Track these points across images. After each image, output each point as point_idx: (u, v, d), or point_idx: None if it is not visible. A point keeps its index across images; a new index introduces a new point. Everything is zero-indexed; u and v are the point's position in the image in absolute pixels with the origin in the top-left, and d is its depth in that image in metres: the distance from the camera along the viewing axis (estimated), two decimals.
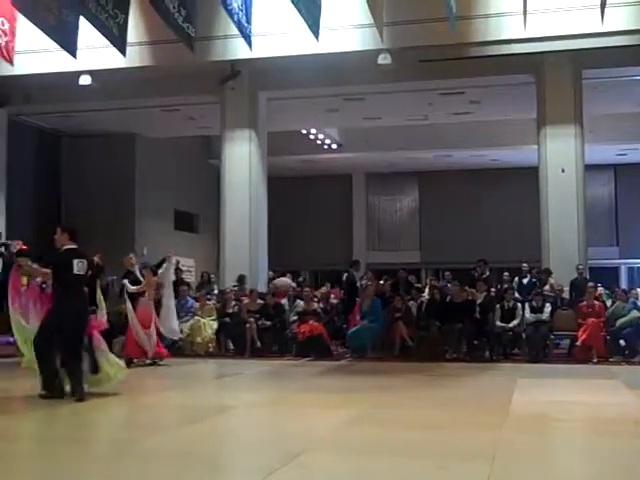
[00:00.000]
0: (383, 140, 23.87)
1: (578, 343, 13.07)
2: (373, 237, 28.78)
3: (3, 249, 15.80)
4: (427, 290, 15.36)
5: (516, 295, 14.47)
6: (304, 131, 23.55)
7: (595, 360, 12.74)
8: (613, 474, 5.41)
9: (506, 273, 15.93)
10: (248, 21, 15.06)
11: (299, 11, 13.57)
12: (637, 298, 14.11)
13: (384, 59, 15.36)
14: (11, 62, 16.16)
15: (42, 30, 13.63)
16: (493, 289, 14.76)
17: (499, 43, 15.54)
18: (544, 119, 16.56)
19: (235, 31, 15.08)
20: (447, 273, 16.11)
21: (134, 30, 15.75)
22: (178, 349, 14.32)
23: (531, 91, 16.80)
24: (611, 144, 22.87)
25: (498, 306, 13.71)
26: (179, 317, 14.65)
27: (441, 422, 7.38)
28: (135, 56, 16.20)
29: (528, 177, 18.02)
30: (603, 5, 13.81)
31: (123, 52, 14.56)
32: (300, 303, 14.81)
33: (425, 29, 15.08)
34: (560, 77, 16.24)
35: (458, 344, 13.51)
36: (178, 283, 16.43)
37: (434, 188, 27.78)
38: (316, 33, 13.97)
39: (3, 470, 5.28)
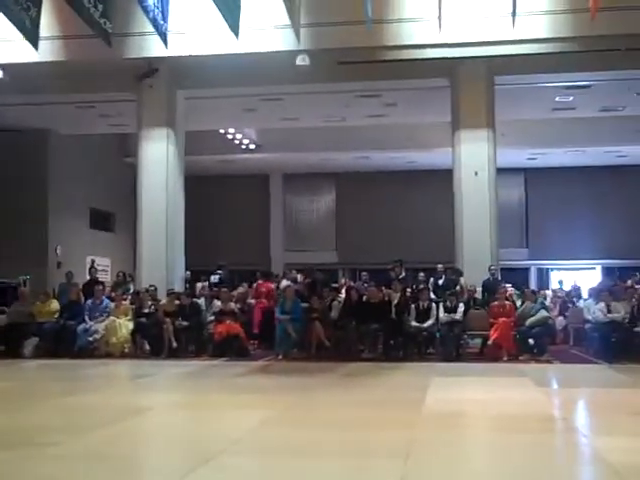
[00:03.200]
0: (301, 141, 23.99)
1: (489, 342, 13.40)
2: (290, 237, 28.86)
3: None
4: (344, 290, 15.51)
5: (432, 295, 14.71)
6: (222, 131, 23.45)
7: (505, 359, 13.05)
8: (520, 469, 5.57)
9: (421, 274, 16.17)
10: (164, 18, 14.93)
11: (219, 10, 13.53)
12: (545, 298, 14.56)
13: (302, 60, 15.46)
14: None
15: None
16: (409, 289, 14.97)
17: (415, 47, 15.84)
18: (458, 123, 16.91)
19: (152, 28, 14.93)
20: (364, 273, 16.27)
21: (48, 24, 15.44)
22: (93, 350, 14.10)
23: (446, 95, 17.12)
24: (522, 148, 23.52)
25: (413, 306, 13.91)
26: (94, 317, 14.44)
27: (356, 421, 7.46)
28: (48, 50, 15.88)
29: (443, 179, 18.34)
30: (514, 13, 14.25)
31: (35, 46, 14.24)
32: (217, 303, 14.74)
33: (342, 31, 15.25)
34: (474, 82, 16.59)
35: (374, 344, 13.67)
36: (92, 283, 16.19)
37: (351, 189, 28.08)
38: (236, 32, 13.96)
39: None
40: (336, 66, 16.21)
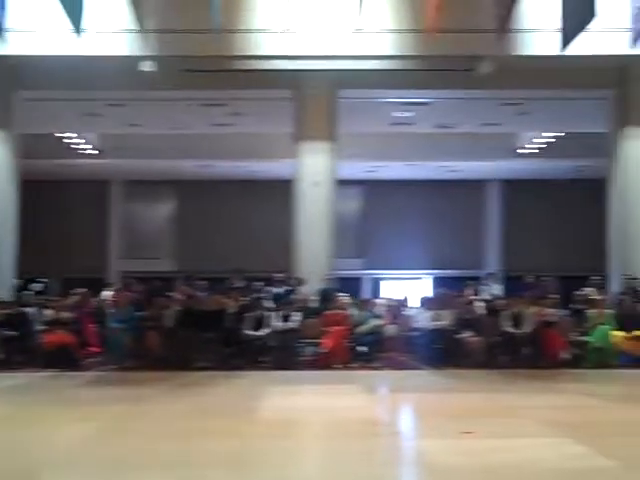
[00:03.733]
0: (144, 147, 23.60)
1: (323, 350, 13.67)
2: (129, 245, 28.28)
3: None
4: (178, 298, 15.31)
5: (269, 304, 14.79)
6: (61, 134, 22.71)
7: (338, 366, 13.37)
8: (348, 473, 5.80)
9: (259, 282, 16.28)
10: (3, 15, 14.30)
11: (63, 9, 13.10)
12: (373, 307, 14.99)
13: (147, 66, 15.25)
14: None
15: None
16: (246, 298, 15.03)
17: (260, 58, 15.91)
18: (300, 134, 17.14)
19: None
20: (200, 282, 16.16)
21: None
22: None
23: (290, 106, 17.38)
24: (362, 161, 24.11)
25: (248, 315, 13.97)
26: None
27: (190, 431, 7.46)
28: None
29: (285, 190, 18.56)
30: (359, 29, 14.73)
31: None
32: (48, 312, 14.24)
33: (189, 39, 15.11)
34: (317, 95, 16.86)
35: (208, 352, 13.62)
36: None
37: (194, 197, 27.91)
38: (79, 34, 13.56)
39: None
40: (182, 73, 16.13)
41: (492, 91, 17.50)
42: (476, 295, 15.87)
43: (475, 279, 18.06)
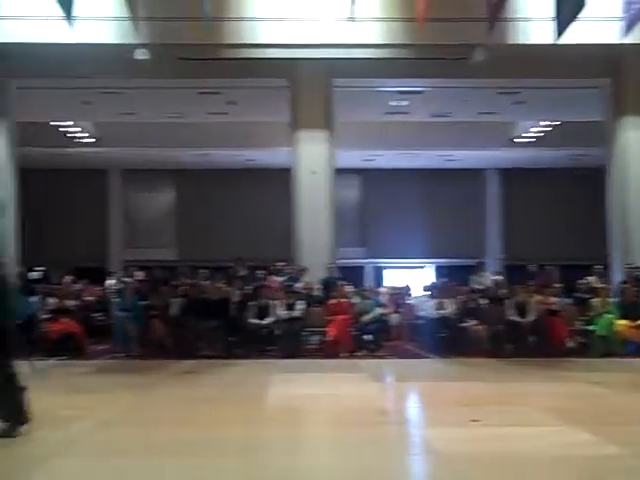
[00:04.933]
0: (141, 136, 23.53)
1: (328, 339, 13.70)
2: (130, 234, 28.26)
3: None
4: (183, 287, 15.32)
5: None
6: (56, 123, 22.62)
7: (343, 355, 13.41)
8: (356, 461, 5.77)
9: (261, 271, 16.28)
10: None
11: None
12: (378, 296, 15.01)
13: (141, 54, 15.18)
14: None
15: None
16: (249, 287, 15.04)
17: (255, 47, 15.88)
18: (297, 123, 17.14)
19: None
20: (202, 270, 16.14)
21: None
22: None
23: (286, 95, 17.33)
24: (359, 149, 24.11)
25: (253, 303, 13.99)
26: None
27: (197, 419, 7.46)
28: None
29: (283, 178, 18.54)
30: (352, 18, 14.69)
31: None
32: (52, 300, 14.24)
33: (183, 27, 15.05)
34: (313, 84, 16.86)
35: (213, 341, 13.64)
36: None
37: (192, 186, 27.87)
38: (70, 21, 13.49)
39: None
40: (176, 62, 16.08)
41: (488, 80, 17.50)
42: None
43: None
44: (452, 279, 15.70)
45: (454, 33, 15.24)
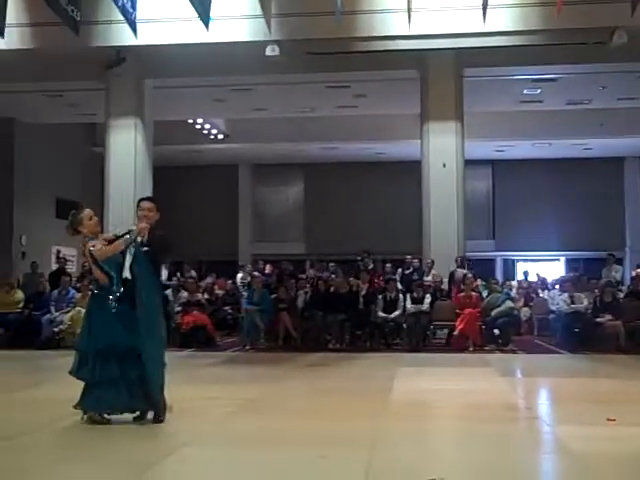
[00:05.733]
0: (270, 132, 23.89)
1: (456, 333, 13.51)
2: (259, 228, 28.80)
3: None
4: (311, 281, 15.52)
5: (399, 286, 14.77)
6: (190, 120, 23.31)
7: (471, 349, 13.19)
8: (486, 458, 5.64)
9: (389, 264, 16.24)
10: (133, 7, 14.78)
11: (192, 4, 13.44)
12: (511, 289, 14.69)
13: (272, 51, 15.40)
14: None
15: None
16: (376, 280, 15.04)
17: (384, 39, 15.82)
18: (427, 115, 16.97)
19: (120, 16, 14.79)
20: (331, 264, 16.29)
21: (15, 11, 15.23)
22: (58, 341, 13.98)
23: (415, 87, 17.17)
24: (490, 140, 23.64)
25: (381, 297, 13.98)
26: (60, 308, 14.34)
27: (323, 410, 7.51)
28: (15, 38, 15.63)
29: (412, 171, 18.40)
30: (485, 6, 14.32)
31: (1, 33, 14.06)
32: (184, 294, 14.69)
33: (313, 22, 15.20)
34: (443, 74, 16.66)
35: (341, 334, 13.73)
36: (59, 273, 16.07)
37: (320, 180, 28.05)
38: (206, 22, 13.88)
39: None
40: (306, 57, 16.19)
41: (627, 64, 16.67)
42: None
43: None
44: (584, 272, 15.15)
45: (593, 16, 14.65)
